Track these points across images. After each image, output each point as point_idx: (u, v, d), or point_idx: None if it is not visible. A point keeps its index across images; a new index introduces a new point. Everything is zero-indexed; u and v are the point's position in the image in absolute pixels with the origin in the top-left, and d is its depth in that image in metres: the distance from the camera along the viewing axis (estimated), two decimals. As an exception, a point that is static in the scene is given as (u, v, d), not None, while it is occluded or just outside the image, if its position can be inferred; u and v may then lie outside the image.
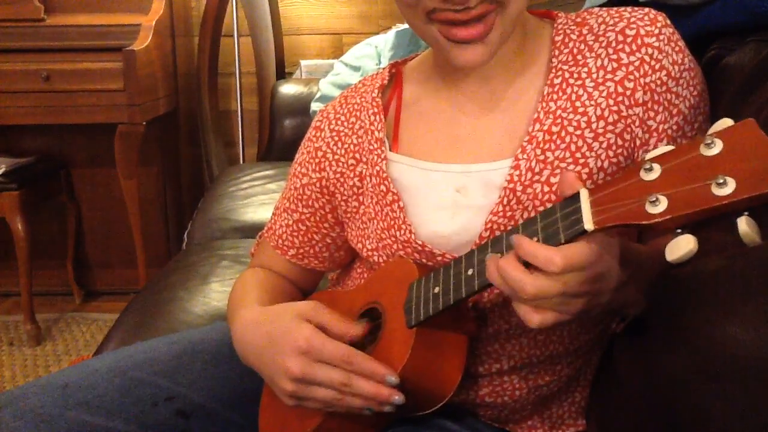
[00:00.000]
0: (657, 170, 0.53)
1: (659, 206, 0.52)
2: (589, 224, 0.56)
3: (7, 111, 2.18)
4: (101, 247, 2.69)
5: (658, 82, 0.69)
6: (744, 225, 0.48)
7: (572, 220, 0.57)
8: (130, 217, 2.35)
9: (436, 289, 0.67)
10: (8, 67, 2.14)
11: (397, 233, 0.76)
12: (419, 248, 0.74)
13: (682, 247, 0.51)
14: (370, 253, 0.79)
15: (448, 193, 0.74)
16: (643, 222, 0.53)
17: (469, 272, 0.64)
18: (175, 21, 2.44)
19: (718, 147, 0.50)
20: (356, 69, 2.15)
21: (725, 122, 0.52)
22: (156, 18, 2.26)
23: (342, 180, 0.83)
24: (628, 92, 0.70)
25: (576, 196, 0.58)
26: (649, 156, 0.55)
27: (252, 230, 1.70)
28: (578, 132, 0.70)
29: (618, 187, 0.56)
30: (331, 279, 0.96)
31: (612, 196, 0.56)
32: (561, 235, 0.58)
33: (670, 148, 0.54)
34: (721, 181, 0.49)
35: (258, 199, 1.93)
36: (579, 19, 0.75)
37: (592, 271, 0.57)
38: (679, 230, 0.52)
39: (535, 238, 0.59)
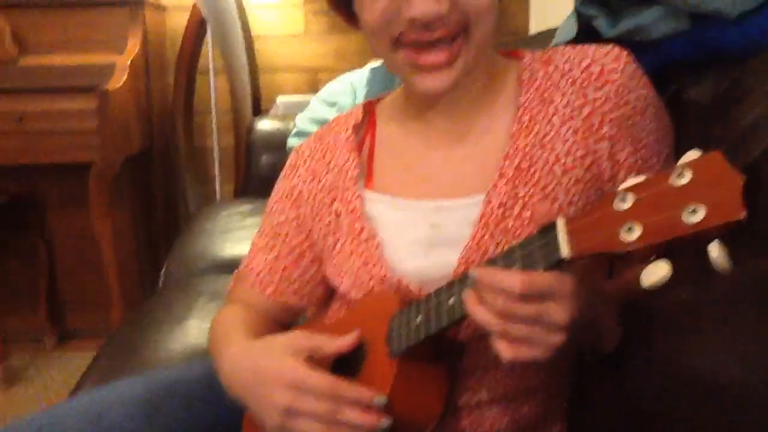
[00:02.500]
0: (630, 200, 0.56)
1: (634, 234, 0.54)
2: (566, 252, 0.58)
3: (-22, 152, 2.16)
4: (75, 288, 2.66)
5: (624, 116, 0.71)
6: (715, 251, 0.50)
7: (550, 249, 0.59)
8: (104, 258, 2.33)
9: (418, 319, 0.68)
10: (-20, 108, 2.12)
11: (374, 270, 0.76)
12: (396, 285, 0.75)
13: (656, 272, 0.53)
14: (347, 290, 0.80)
15: (423, 229, 0.76)
16: (619, 249, 0.55)
17: (450, 302, 0.66)
18: (150, 59, 2.44)
19: (687, 177, 0.53)
20: (332, 105, 2.17)
21: (693, 153, 0.54)
22: (131, 57, 2.26)
23: (319, 217, 0.83)
24: (594, 128, 0.72)
25: (552, 226, 0.60)
26: (622, 186, 0.57)
27: (230, 266, 1.68)
28: (547, 168, 0.72)
29: (593, 217, 0.58)
30: (309, 317, 0.96)
31: (588, 225, 0.58)
32: (539, 264, 0.60)
33: (642, 178, 0.57)
34: (692, 209, 0.51)
35: (235, 234, 1.92)
36: (545, 58, 0.77)
37: (569, 302, 0.58)
38: (653, 257, 0.54)
39: (515, 267, 0.61)
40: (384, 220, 0.78)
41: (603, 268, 0.74)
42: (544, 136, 0.73)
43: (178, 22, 2.61)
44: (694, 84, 0.74)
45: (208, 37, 2.54)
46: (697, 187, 0.52)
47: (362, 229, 0.78)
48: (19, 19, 2.27)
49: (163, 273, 1.86)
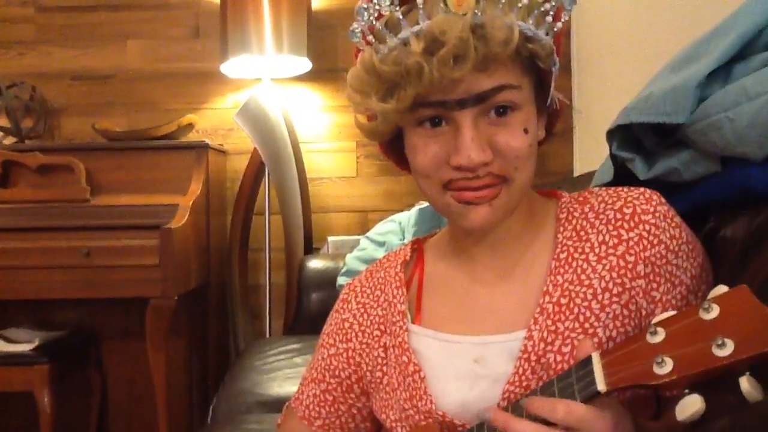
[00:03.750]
0: (661, 334, 0.58)
1: (665, 367, 0.56)
2: (602, 385, 0.60)
3: (46, 285, 2.25)
4: (124, 421, 2.67)
5: (658, 255, 0.74)
6: (746, 384, 0.52)
7: (586, 382, 0.61)
8: (156, 390, 2.34)
9: None
10: (52, 244, 2.24)
11: (419, 404, 0.78)
12: (440, 418, 0.76)
13: (689, 406, 0.55)
14: (393, 425, 0.81)
15: (467, 363, 0.77)
16: (652, 382, 0.57)
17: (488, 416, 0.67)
18: (211, 200, 2.56)
19: (715, 311, 0.55)
20: (381, 244, 2.23)
21: (720, 288, 0.57)
22: (194, 198, 2.38)
23: (368, 351, 0.86)
24: (630, 265, 0.74)
25: (588, 360, 0.63)
26: (654, 321, 0.60)
27: (277, 405, 1.69)
28: (585, 303, 0.74)
29: (626, 350, 0.61)
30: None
31: (621, 359, 0.60)
32: (576, 396, 0.62)
33: (673, 313, 0.59)
34: (720, 342, 0.53)
35: (284, 373, 1.94)
36: (581, 198, 0.81)
37: None
38: (687, 390, 0.56)
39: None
40: (429, 355, 0.80)
41: (649, 408, 0.74)
42: (582, 273, 0.75)
43: (238, 164, 2.76)
44: (729, 222, 0.77)
45: (266, 179, 2.67)
46: (725, 321, 0.55)
47: (408, 362, 0.80)
48: (94, 162, 2.42)
49: (213, 408, 1.87)
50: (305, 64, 2.59)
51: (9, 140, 2.64)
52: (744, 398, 0.53)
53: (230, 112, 2.71)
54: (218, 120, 2.83)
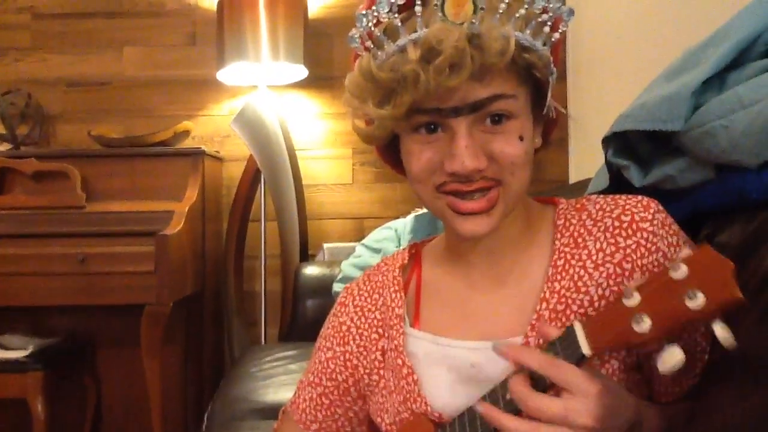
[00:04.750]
0: (637, 296, 0.63)
1: (644, 324, 0.61)
2: (587, 349, 0.64)
3: (41, 292, 2.25)
4: (119, 429, 2.66)
5: (655, 263, 0.74)
6: (720, 329, 0.58)
7: (572, 350, 0.65)
8: (150, 397, 2.34)
9: None
10: (47, 250, 2.24)
11: (413, 406, 0.78)
12: (436, 420, 0.76)
13: (670, 358, 0.60)
14: (389, 428, 0.81)
15: (463, 368, 0.78)
16: (634, 340, 0.62)
17: (481, 412, 0.69)
18: (207, 207, 2.56)
19: (683, 270, 0.60)
20: (377, 251, 2.23)
21: (686, 251, 0.63)
22: (189, 204, 2.38)
23: (365, 353, 0.86)
24: (627, 272, 0.75)
25: (571, 329, 0.67)
26: (628, 286, 0.64)
27: (272, 412, 1.69)
28: (581, 310, 0.75)
29: (606, 316, 0.65)
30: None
31: (602, 323, 0.65)
32: None
33: (645, 278, 0.64)
34: (692, 294, 0.59)
35: (279, 380, 1.93)
36: (578, 205, 0.82)
37: (598, 401, 0.62)
38: (666, 344, 0.61)
39: None
40: (425, 358, 0.80)
41: (642, 391, 0.75)
42: (578, 280, 0.76)
43: (234, 171, 2.76)
44: (725, 228, 0.78)
45: (261, 186, 2.67)
46: (694, 276, 0.60)
47: (402, 365, 0.81)
48: (89, 168, 2.43)
49: (207, 416, 1.86)
50: (301, 72, 2.60)
51: (4, 147, 2.64)
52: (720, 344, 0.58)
53: (226, 119, 2.72)
54: (214, 127, 2.83)
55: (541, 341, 0.72)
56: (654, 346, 0.62)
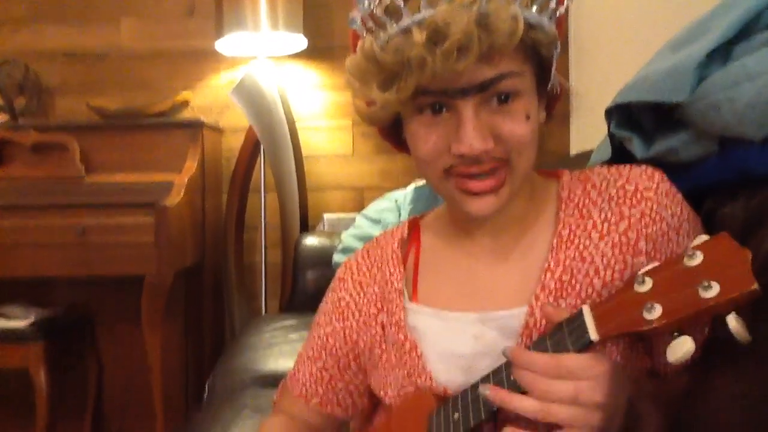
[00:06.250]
0: (649, 283, 0.61)
1: (655, 312, 0.59)
2: (594, 335, 0.63)
3: (41, 263, 2.26)
4: (120, 401, 2.68)
5: (659, 232, 0.74)
6: (734, 322, 0.55)
7: (579, 334, 0.64)
8: (151, 370, 2.35)
9: (456, 416, 0.71)
10: (47, 222, 2.24)
11: (417, 380, 0.78)
12: (441, 394, 0.77)
13: (681, 348, 0.58)
14: (392, 401, 0.82)
15: (466, 340, 0.78)
16: (643, 328, 0.60)
17: (487, 392, 0.68)
18: (206, 178, 2.56)
19: (699, 258, 0.58)
20: (377, 222, 2.23)
21: (702, 237, 0.60)
22: (189, 176, 2.38)
23: (365, 329, 0.86)
24: (632, 242, 0.74)
25: (579, 313, 0.65)
26: (640, 271, 0.62)
27: (273, 380, 1.69)
28: (587, 280, 0.74)
29: (616, 301, 0.63)
30: (354, 429, 0.97)
31: (612, 309, 0.63)
32: (570, 349, 0.64)
33: (657, 263, 0.62)
34: (707, 284, 0.56)
35: (279, 349, 1.94)
36: (582, 176, 0.81)
37: (605, 381, 0.62)
38: (676, 333, 0.59)
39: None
40: (427, 332, 0.80)
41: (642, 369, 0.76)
42: (584, 250, 0.76)
43: (233, 142, 2.75)
44: (728, 202, 0.77)
45: (261, 157, 2.67)
46: (709, 266, 0.57)
47: (404, 339, 0.80)
48: (87, 140, 2.42)
49: (208, 386, 1.88)
50: (301, 42, 2.57)
51: (2, 118, 2.62)
52: (733, 337, 0.55)
53: (225, 89, 2.70)
54: (213, 98, 2.81)
55: (545, 322, 0.72)
56: (663, 335, 0.60)
